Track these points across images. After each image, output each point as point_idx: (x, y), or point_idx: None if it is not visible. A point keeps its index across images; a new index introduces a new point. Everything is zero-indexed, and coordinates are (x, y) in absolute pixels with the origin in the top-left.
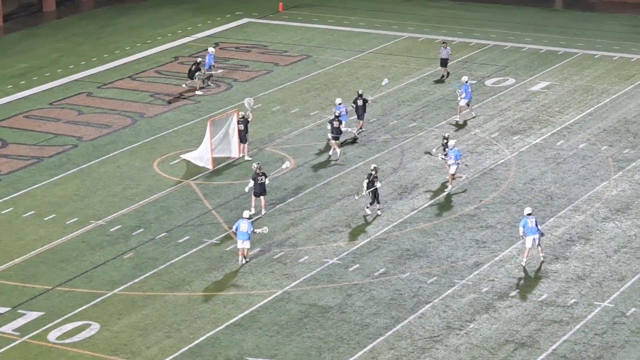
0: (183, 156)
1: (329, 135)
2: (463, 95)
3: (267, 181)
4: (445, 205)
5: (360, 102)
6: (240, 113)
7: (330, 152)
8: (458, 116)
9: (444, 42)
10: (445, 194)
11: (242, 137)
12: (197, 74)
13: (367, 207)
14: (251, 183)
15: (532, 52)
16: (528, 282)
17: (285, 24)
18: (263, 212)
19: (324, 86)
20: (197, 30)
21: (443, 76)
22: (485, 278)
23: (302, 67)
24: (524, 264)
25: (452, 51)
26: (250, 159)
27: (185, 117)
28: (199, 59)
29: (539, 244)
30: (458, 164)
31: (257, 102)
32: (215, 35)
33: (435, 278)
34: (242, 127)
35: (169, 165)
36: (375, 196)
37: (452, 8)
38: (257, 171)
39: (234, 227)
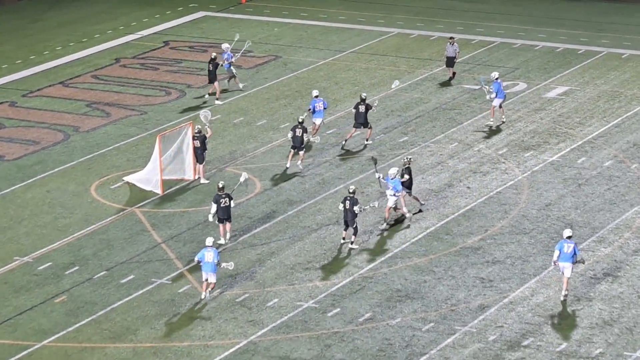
0: (126, 178)
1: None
2: (494, 95)
3: (232, 204)
4: (444, 236)
5: (362, 108)
6: (196, 127)
7: (288, 164)
8: (492, 119)
9: (450, 38)
10: (433, 225)
11: (198, 156)
12: (217, 71)
13: (348, 241)
14: (214, 207)
15: (547, 50)
16: (544, 329)
17: (250, 19)
18: (223, 241)
19: (297, 93)
20: (142, 26)
21: (450, 78)
22: (492, 324)
23: (269, 70)
24: (562, 298)
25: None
26: (207, 181)
27: (129, 131)
28: (214, 54)
29: (568, 276)
30: (397, 196)
31: (216, 112)
32: (165, 32)
33: (431, 325)
34: (198, 143)
35: (109, 189)
36: (353, 223)
37: None
38: (220, 192)
39: (197, 258)
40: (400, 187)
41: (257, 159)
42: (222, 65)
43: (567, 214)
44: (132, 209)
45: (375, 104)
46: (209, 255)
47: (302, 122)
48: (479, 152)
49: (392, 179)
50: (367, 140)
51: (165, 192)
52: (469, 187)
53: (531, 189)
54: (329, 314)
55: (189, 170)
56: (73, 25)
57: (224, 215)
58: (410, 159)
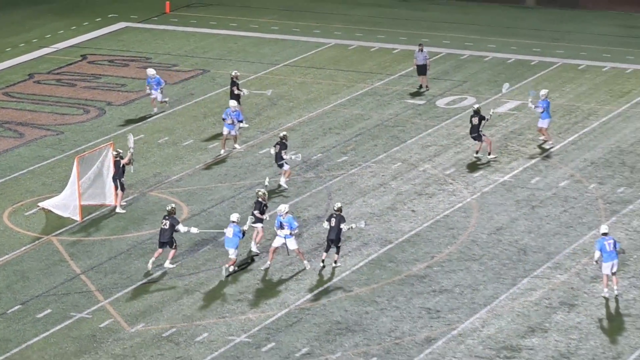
0: (42, 204)
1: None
2: (541, 111)
3: (182, 229)
4: (387, 264)
5: (475, 121)
6: (114, 149)
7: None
8: (551, 141)
9: (419, 44)
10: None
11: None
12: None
13: (328, 264)
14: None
15: (498, 62)
16: None
17: (174, 29)
18: (167, 264)
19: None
20: (58, 38)
21: (421, 87)
22: (439, 358)
23: (196, 84)
24: (606, 295)
25: (392, 62)
26: (122, 211)
27: (44, 152)
28: (234, 72)
29: (614, 272)
30: (292, 235)
31: (139, 132)
32: (82, 44)
33: (375, 359)
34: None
35: (23, 216)
36: (338, 242)
37: (393, 6)
38: (166, 215)
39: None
40: (295, 226)
41: (184, 182)
42: (150, 91)
43: (520, 238)
44: (49, 238)
45: (491, 113)
46: (229, 231)
47: (283, 138)
48: (424, 173)
49: (282, 217)
50: (476, 153)
51: (85, 219)
52: (413, 211)
53: (481, 212)
54: (264, 349)
55: (110, 194)
56: None
57: (165, 238)
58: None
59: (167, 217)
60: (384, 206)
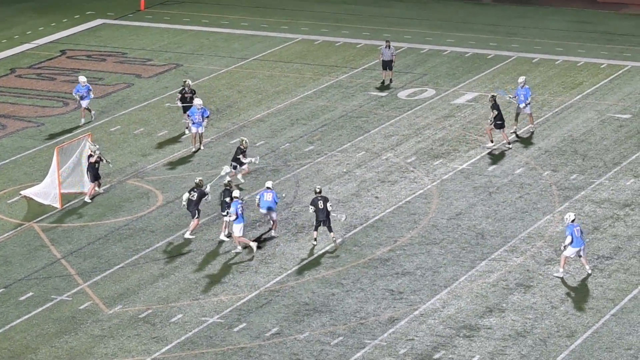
0: (23, 192)
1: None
2: (529, 101)
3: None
4: (352, 248)
5: (494, 112)
6: (89, 146)
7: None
8: (531, 125)
9: (387, 41)
10: (341, 239)
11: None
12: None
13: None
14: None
15: (456, 55)
16: (455, 341)
17: (149, 26)
18: (187, 235)
19: None
20: (38, 35)
21: (384, 82)
22: (402, 337)
23: (170, 78)
24: (561, 275)
25: (355, 56)
26: (89, 200)
27: (26, 143)
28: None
29: (581, 255)
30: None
31: (116, 123)
32: (61, 40)
33: (340, 338)
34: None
35: (6, 204)
36: (328, 221)
37: (356, 3)
38: (194, 187)
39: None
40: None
41: (159, 170)
42: (78, 99)
43: (478, 223)
44: (30, 224)
45: (508, 98)
46: (267, 196)
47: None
48: (386, 161)
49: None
50: (508, 144)
51: (64, 206)
52: (377, 197)
53: (441, 198)
54: (235, 329)
55: (88, 182)
56: None
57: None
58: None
59: (195, 190)
60: (349, 193)
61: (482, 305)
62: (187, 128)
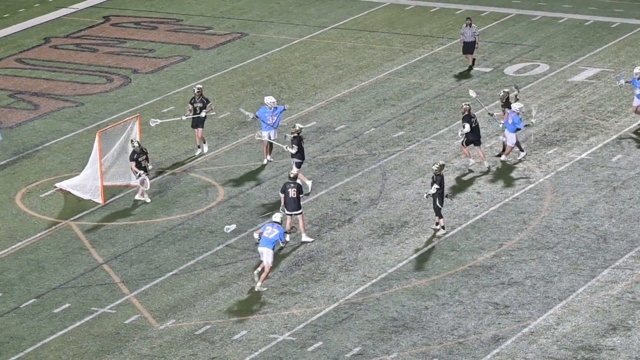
0: (59, 185)
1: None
2: (638, 92)
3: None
4: (449, 253)
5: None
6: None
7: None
8: None
9: (468, 19)
10: (442, 235)
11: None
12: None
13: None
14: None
15: (574, 24)
16: None
17: None
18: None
19: (267, 79)
20: None
21: (470, 67)
22: (508, 359)
23: (234, 50)
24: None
25: (454, 25)
26: (145, 199)
27: (62, 126)
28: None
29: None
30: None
31: (169, 103)
32: (105, 5)
33: None
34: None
35: (38, 198)
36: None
37: None
38: (291, 183)
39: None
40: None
41: (220, 159)
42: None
43: (599, 224)
44: (67, 223)
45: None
46: (270, 231)
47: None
48: (491, 150)
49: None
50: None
51: (107, 202)
52: (478, 192)
53: (555, 194)
54: (309, 349)
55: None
56: None
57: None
58: (300, 128)
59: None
60: (445, 187)
61: (604, 322)
62: (258, 136)
